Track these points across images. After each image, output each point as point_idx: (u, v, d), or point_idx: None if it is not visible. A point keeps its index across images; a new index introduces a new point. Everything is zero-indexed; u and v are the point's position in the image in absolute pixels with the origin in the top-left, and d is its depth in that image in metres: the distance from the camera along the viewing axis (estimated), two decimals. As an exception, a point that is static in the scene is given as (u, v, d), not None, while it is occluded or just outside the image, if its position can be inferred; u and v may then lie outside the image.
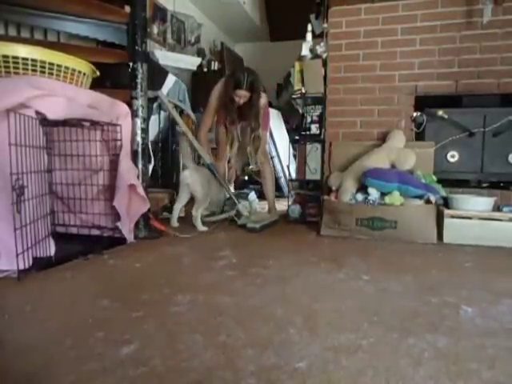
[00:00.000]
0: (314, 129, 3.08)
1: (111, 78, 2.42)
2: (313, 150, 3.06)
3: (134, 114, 2.13)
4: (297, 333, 0.99)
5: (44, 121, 1.55)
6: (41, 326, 1.03)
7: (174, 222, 2.56)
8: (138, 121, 2.16)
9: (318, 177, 3.01)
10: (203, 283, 1.40)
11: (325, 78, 2.87)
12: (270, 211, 3.00)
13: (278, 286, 1.38)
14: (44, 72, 1.65)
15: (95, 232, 1.97)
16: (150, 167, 2.91)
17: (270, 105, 3.43)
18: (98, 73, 1.96)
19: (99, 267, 1.60)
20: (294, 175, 3.85)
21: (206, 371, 0.81)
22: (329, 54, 2.84)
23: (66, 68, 1.72)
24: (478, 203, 2.25)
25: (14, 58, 1.59)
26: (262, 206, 3.34)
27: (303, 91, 3.00)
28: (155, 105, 3.20)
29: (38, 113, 1.48)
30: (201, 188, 2.46)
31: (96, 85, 2.00)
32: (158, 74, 3.28)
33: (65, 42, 2.62)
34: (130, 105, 2.09)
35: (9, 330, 1.00)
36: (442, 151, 2.58)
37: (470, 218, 2.20)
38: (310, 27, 3.25)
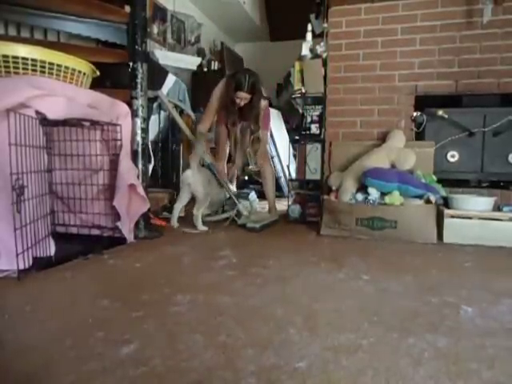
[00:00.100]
0: (314, 129, 3.08)
1: (111, 78, 2.42)
2: (313, 150, 3.06)
3: (134, 114, 2.13)
4: (297, 333, 0.99)
5: (44, 121, 1.55)
6: (41, 326, 1.03)
7: (175, 222, 2.56)
8: (138, 121, 2.16)
9: (318, 177, 3.01)
10: (203, 283, 1.40)
11: (325, 77, 2.87)
12: (270, 211, 3.00)
13: (277, 286, 1.38)
14: (44, 72, 1.65)
15: (95, 232, 1.97)
16: (150, 167, 2.91)
17: (270, 105, 3.43)
18: (98, 73, 1.96)
19: (99, 267, 1.60)
20: (293, 175, 3.85)
21: (206, 371, 0.81)
22: (329, 53, 2.84)
23: (66, 68, 1.72)
24: (478, 203, 2.25)
25: (14, 57, 1.59)
26: (262, 206, 3.34)
27: (303, 91, 3.00)
28: (155, 105, 3.20)
29: (38, 113, 1.48)
30: (202, 188, 2.48)
31: (96, 85, 2.00)
32: (157, 74, 3.28)
33: (65, 41, 2.62)
34: (129, 105, 2.09)
35: (9, 330, 1.00)
36: (442, 151, 2.58)
37: (470, 217, 2.20)
38: (309, 27, 3.25)
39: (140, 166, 2.18)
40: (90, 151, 1.93)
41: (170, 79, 3.38)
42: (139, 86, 2.15)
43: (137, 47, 2.14)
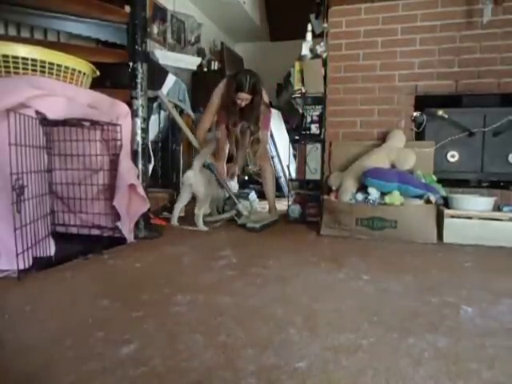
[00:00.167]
0: (314, 129, 3.08)
1: (111, 78, 2.42)
2: (313, 150, 3.06)
3: (134, 114, 2.13)
4: (297, 333, 0.99)
5: (44, 121, 1.55)
6: (41, 326, 1.03)
7: (175, 222, 2.57)
8: (138, 121, 2.16)
9: (318, 177, 3.01)
10: (203, 283, 1.40)
11: (325, 77, 2.87)
12: (270, 211, 3.00)
13: (277, 286, 1.38)
14: (44, 72, 1.65)
15: (95, 232, 1.97)
16: (150, 167, 2.91)
17: (271, 104, 3.43)
18: (98, 73, 1.96)
19: (99, 267, 1.60)
20: (293, 175, 3.85)
21: (206, 371, 0.81)
22: (329, 53, 2.84)
23: (66, 68, 1.72)
24: (478, 203, 2.25)
25: (14, 57, 1.59)
26: (262, 206, 3.34)
27: (303, 91, 3.00)
28: (155, 105, 3.20)
29: (38, 113, 1.48)
30: (203, 189, 2.51)
31: (96, 85, 2.00)
32: (157, 74, 3.28)
33: (65, 41, 2.62)
34: (129, 105, 2.09)
35: (9, 330, 1.00)
36: (442, 151, 2.58)
37: (470, 217, 2.20)
38: (309, 27, 3.25)
39: (140, 166, 2.18)
40: (90, 151, 1.93)
41: (170, 79, 3.38)
42: (139, 86, 2.15)
43: (137, 47, 2.14)
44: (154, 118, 3.20)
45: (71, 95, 1.66)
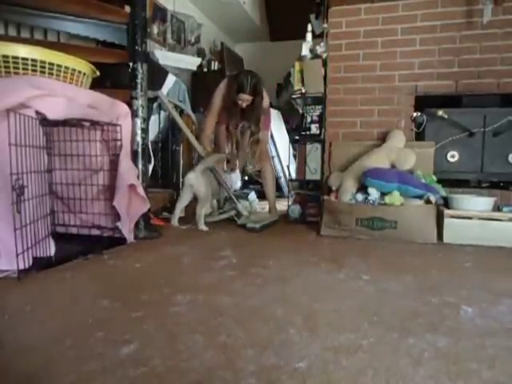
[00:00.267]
0: (314, 129, 3.09)
1: (111, 78, 2.42)
2: (313, 150, 3.06)
3: (134, 114, 2.13)
4: (297, 333, 0.99)
5: (44, 121, 1.55)
6: (41, 326, 1.03)
7: (175, 222, 2.58)
8: (138, 121, 2.16)
9: (318, 177, 3.01)
10: (203, 283, 1.40)
11: (325, 78, 2.87)
12: (270, 211, 3.01)
13: (278, 286, 1.38)
14: (44, 72, 1.65)
15: (95, 232, 1.97)
16: (150, 167, 2.91)
17: (271, 105, 3.43)
18: (98, 73, 1.96)
19: (99, 267, 1.60)
20: (293, 175, 3.85)
21: (206, 371, 0.81)
22: (329, 54, 2.84)
23: (66, 68, 1.72)
24: (478, 203, 2.25)
25: (14, 58, 1.59)
26: (262, 206, 3.34)
27: (303, 91, 3.00)
28: (155, 105, 3.20)
29: (38, 113, 1.48)
30: (205, 189, 2.53)
31: (96, 85, 2.00)
32: (158, 74, 3.28)
33: (65, 42, 2.61)
34: (130, 105, 2.09)
35: (9, 330, 1.00)
36: (442, 151, 2.58)
37: (470, 218, 2.20)
38: (310, 27, 3.25)
39: (140, 166, 2.18)
40: (90, 151, 1.93)
41: (170, 79, 3.38)
42: (139, 86, 2.15)
43: (137, 47, 2.15)
44: (154, 118, 3.20)
45: (71, 95, 1.66)
